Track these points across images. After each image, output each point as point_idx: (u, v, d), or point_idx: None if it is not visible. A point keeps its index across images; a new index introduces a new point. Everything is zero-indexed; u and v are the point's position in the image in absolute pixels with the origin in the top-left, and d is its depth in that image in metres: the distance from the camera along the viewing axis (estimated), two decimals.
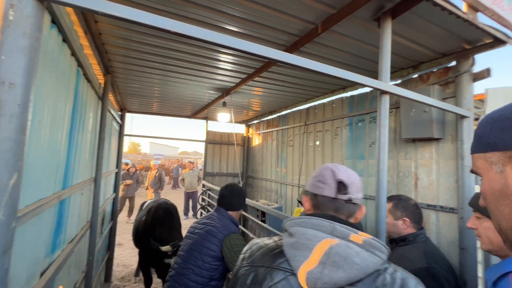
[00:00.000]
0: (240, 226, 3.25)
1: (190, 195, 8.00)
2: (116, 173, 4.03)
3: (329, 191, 0.74)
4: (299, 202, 2.66)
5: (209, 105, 4.00)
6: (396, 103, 2.23)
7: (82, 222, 2.10)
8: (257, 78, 2.72)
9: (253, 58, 2.23)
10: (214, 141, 5.54)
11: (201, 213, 5.20)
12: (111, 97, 3.25)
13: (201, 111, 4.51)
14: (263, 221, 3.29)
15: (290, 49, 1.95)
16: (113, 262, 3.98)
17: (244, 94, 3.48)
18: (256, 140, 5.41)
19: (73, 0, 0.66)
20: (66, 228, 1.64)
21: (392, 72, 2.25)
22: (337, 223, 0.68)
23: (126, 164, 8.80)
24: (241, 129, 5.91)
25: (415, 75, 2.21)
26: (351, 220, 0.76)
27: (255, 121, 5.42)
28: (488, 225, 0.90)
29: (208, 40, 0.84)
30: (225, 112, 3.95)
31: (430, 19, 1.50)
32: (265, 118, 4.98)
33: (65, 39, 1.32)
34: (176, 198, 10.60)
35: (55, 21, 1.16)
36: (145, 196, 9.39)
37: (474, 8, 1.41)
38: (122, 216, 7.02)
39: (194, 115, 4.99)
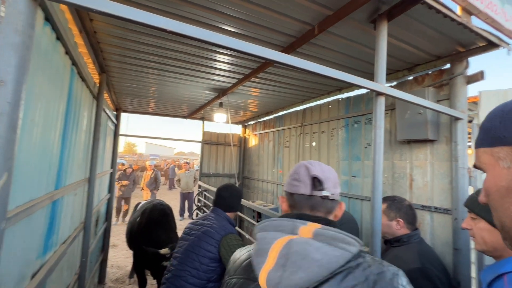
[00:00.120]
0: (236, 227, 3.24)
1: (186, 196, 7.96)
2: (111, 173, 3.99)
3: (304, 188, 0.70)
4: None
5: (206, 106, 3.99)
6: (392, 105, 2.25)
7: (75, 223, 2.07)
8: (253, 79, 2.72)
9: (250, 59, 2.23)
10: (211, 142, 5.52)
11: (197, 214, 5.18)
12: (106, 96, 3.22)
13: (198, 112, 4.49)
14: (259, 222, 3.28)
15: (286, 50, 1.95)
16: (107, 264, 3.93)
17: (241, 95, 3.48)
18: (253, 141, 5.40)
19: None
20: (58, 229, 1.61)
21: (387, 74, 2.26)
22: (298, 220, 0.64)
23: (123, 164, 8.72)
24: (237, 129, 5.90)
25: (410, 77, 2.23)
26: (331, 218, 0.72)
27: (252, 122, 5.42)
28: (482, 225, 0.90)
29: (205, 40, 0.83)
30: (222, 113, 3.94)
31: (425, 22, 1.51)
32: (262, 119, 4.98)
33: (59, 37, 1.30)
34: (172, 199, 10.53)
35: (48, 18, 1.14)
36: (140, 197, 9.31)
37: (468, 11, 1.43)
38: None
39: (190, 115, 4.97)
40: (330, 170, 0.75)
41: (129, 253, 4.40)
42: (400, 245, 1.51)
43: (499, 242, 0.85)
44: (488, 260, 1.58)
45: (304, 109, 3.69)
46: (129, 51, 2.16)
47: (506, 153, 0.42)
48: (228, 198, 1.77)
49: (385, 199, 1.61)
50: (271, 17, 1.60)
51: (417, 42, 1.76)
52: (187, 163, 8.37)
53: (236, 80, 2.81)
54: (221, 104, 3.62)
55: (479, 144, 0.47)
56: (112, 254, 4.81)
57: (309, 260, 0.56)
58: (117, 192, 7.14)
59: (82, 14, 1.60)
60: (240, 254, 0.76)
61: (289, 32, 1.78)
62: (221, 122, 4.18)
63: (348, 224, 1.98)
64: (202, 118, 5.30)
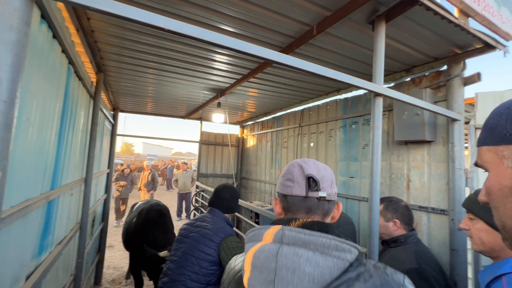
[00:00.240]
0: (234, 228, 3.23)
1: (183, 196, 7.92)
2: (108, 173, 3.96)
3: (299, 189, 0.64)
4: None
5: (204, 106, 3.98)
6: (389, 106, 2.26)
7: (71, 224, 2.05)
8: (252, 79, 2.72)
9: (248, 59, 2.23)
10: (208, 142, 5.50)
11: (195, 214, 5.15)
12: (103, 96, 3.20)
13: (196, 112, 4.48)
14: (257, 223, 3.28)
15: (285, 50, 1.95)
16: (104, 265, 3.89)
17: (239, 95, 3.47)
18: (251, 141, 5.40)
19: None
20: (54, 229, 1.59)
21: (385, 75, 2.28)
22: (286, 227, 0.57)
23: (122, 165, 8.65)
24: (235, 130, 5.90)
25: (408, 79, 2.25)
26: (327, 220, 0.67)
27: (250, 122, 5.42)
28: (480, 226, 0.91)
29: (204, 39, 0.83)
30: (220, 113, 3.93)
31: (423, 24, 1.52)
32: (260, 120, 4.98)
33: (55, 35, 1.29)
34: (170, 199, 10.49)
35: (45, 16, 1.13)
36: (138, 197, 9.26)
37: (465, 13, 1.44)
38: (110, 219, 6.87)
39: (188, 115, 4.96)
40: (325, 168, 0.69)
41: (126, 254, 4.37)
42: (397, 245, 1.52)
43: (497, 242, 0.85)
44: (485, 261, 1.59)
45: (302, 110, 3.70)
46: (126, 50, 2.15)
47: (511, 152, 0.41)
48: (227, 200, 1.74)
49: (381, 200, 1.62)
50: (270, 18, 1.60)
51: (414, 43, 1.77)
52: (185, 163, 8.34)
53: (235, 80, 2.80)
54: (219, 105, 3.62)
55: (483, 142, 0.45)
56: (108, 255, 4.78)
57: (299, 275, 0.50)
58: (115, 193, 7.08)
59: (79, 13, 1.58)
60: (235, 264, 0.73)
61: (288, 32, 1.78)
62: (219, 123, 4.17)
63: (345, 227, 1.98)
64: (200, 119, 5.28)
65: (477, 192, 1.00)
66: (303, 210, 0.65)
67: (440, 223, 1.86)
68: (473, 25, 1.48)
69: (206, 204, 4.57)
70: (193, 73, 2.62)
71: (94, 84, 2.46)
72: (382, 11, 1.40)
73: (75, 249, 2.26)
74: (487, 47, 1.65)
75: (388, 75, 2.37)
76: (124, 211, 7.30)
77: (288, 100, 3.63)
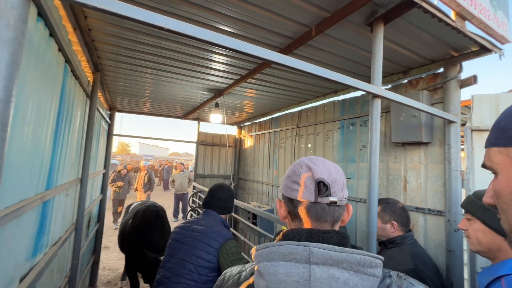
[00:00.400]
0: (231, 229, 3.22)
1: (180, 197, 7.89)
2: (104, 174, 3.92)
3: (308, 194, 0.58)
4: None
5: (201, 106, 3.96)
6: (387, 108, 2.27)
7: (66, 224, 2.03)
8: (250, 80, 2.71)
9: (247, 59, 2.23)
10: (206, 143, 5.48)
11: (191, 215, 5.13)
12: (100, 95, 3.17)
13: (193, 112, 4.47)
14: (254, 224, 3.27)
15: (283, 51, 1.95)
16: (99, 266, 3.85)
17: (237, 96, 3.47)
18: (248, 142, 5.39)
19: None
20: (49, 230, 1.57)
21: (383, 77, 2.29)
22: (312, 244, 0.51)
23: (124, 167, 8.53)
24: (233, 130, 5.88)
25: (405, 81, 2.26)
26: (336, 227, 0.61)
27: (248, 123, 5.41)
28: (477, 226, 0.92)
29: (203, 39, 0.82)
30: (218, 113, 3.92)
31: (421, 26, 1.53)
32: (258, 120, 4.98)
33: (52, 34, 1.28)
34: (166, 200, 10.43)
35: (41, 14, 1.12)
36: (134, 198, 9.18)
37: (462, 16, 1.45)
38: (108, 221, 6.81)
39: (185, 115, 4.94)
40: (336, 169, 0.62)
41: (122, 255, 4.33)
42: (394, 246, 1.53)
43: (493, 242, 0.86)
44: (481, 262, 1.60)
45: (300, 111, 3.70)
46: (124, 50, 2.13)
47: None
48: (224, 200, 1.67)
49: (378, 202, 1.62)
50: (269, 18, 1.60)
51: (412, 45, 1.78)
52: (181, 164, 8.31)
53: (233, 80, 2.80)
54: (217, 105, 3.61)
55: (493, 143, 0.44)
56: (104, 256, 4.73)
57: None
58: (112, 195, 6.98)
59: (76, 11, 1.57)
60: (228, 278, 0.65)
61: (286, 33, 1.78)
62: (216, 123, 4.16)
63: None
64: (198, 119, 5.27)
65: (476, 193, 1.01)
66: (312, 217, 0.59)
67: (436, 224, 1.87)
68: (469, 28, 1.50)
69: None
70: (191, 73, 2.61)
71: (91, 83, 2.44)
72: (381, 13, 1.41)
73: (70, 250, 2.23)
74: (483, 50, 1.67)
75: (386, 77, 2.38)
76: (121, 212, 7.24)
77: (286, 101, 3.64)
